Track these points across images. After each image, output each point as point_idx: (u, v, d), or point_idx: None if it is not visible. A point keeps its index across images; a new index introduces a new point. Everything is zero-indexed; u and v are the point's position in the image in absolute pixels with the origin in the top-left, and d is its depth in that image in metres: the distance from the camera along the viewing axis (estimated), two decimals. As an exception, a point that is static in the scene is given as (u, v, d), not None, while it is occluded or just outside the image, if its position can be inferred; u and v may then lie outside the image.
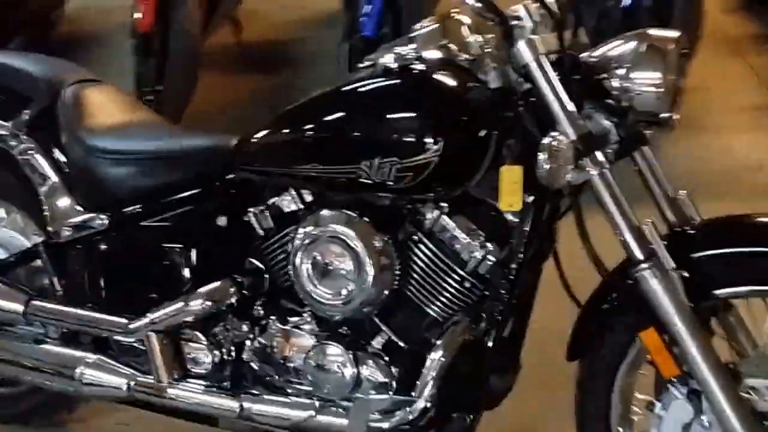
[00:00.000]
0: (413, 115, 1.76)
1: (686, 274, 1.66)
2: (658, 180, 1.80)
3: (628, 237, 1.65)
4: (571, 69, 1.70)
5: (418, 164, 1.71)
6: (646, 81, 1.67)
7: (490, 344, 1.79)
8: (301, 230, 1.84)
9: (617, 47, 1.73)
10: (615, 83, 1.69)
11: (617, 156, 1.74)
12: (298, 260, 1.84)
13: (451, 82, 1.74)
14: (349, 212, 1.81)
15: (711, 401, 1.63)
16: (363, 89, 1.80)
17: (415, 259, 1.82)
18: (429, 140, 1.70)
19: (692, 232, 1.75)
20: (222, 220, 2.01)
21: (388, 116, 1.77)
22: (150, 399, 2.04)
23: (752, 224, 1.74)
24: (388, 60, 1.75)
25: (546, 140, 1.63)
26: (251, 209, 1.95)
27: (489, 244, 1.79)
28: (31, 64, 2.29)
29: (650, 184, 1.81)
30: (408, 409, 1.80)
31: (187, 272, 2.06)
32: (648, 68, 1.67)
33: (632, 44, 1.70)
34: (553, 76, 1.67)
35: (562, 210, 1.85)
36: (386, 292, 1.81)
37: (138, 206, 2.07)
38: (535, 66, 1.67)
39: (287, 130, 1.89)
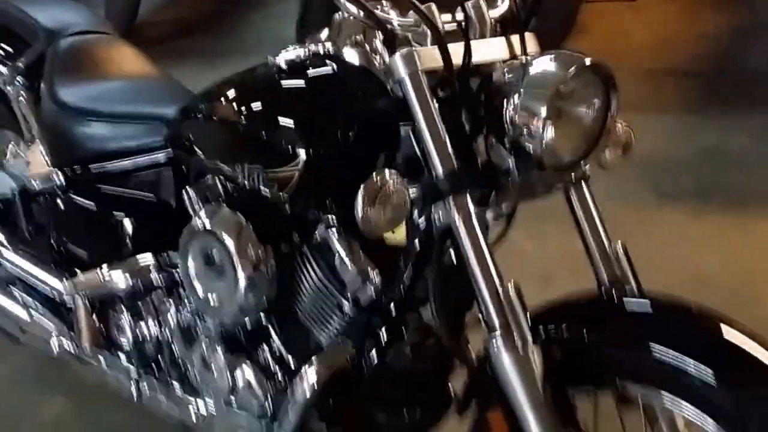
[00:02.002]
0: (281, 124, 1.56)
1: (557, 351, 1.41)
2: (589, 223, 1.56)
3: (486, 297, 1.40)
4: (462, 90, 1.46)
5: (281, 176, 1.54)
6: (524, 116, 1.40)
7: (367, 376, 1.63)
8: (193, 220, 1.72)
9: (534, 66, 1.44)
10: (508, 113, 1.42)
11: (521, 197, 1.50)
12: (182, 251, 1.73)
13: (338, 91, 1.55)
14: (236, 213, 1.66)
15: None
16: (247, 88, 1.64)
17: (300, 273, 1.67)
18: (293, 153, 1.52)
19: (579, 301, 1.47)
20: (165, 194, 1.94)
21: (258, 122, 1.60)
22: (72, 360, 2.04)
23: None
24: (282, 58, 1.58)
25: (372, 179, 1.38)
26: (187, 187, 1.87)
27: (371, 273, 1.59)
28: (38, 9, 2.29)
29: (582, 229, 1.57)
30: None
31: (125, 242, 2.01)
32: (532, 99, 1.40)
33: (539, 64, 1.43)
34: (426, 96, 1.43)
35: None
36: (264, 301, 1.66)
37: (92, 168, 2.03)
38: (409, 84, 1.43)
39: (195, 114, 1.75)
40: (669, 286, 2.75)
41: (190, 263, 1.71)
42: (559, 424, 1.40)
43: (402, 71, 1.43)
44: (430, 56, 1.44)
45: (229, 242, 1.63)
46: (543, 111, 1.38)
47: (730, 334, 1.33)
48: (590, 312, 1.46)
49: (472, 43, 1.48)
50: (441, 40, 1.43)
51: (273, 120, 1.56)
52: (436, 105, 1.43)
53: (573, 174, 1.53)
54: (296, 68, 1.56)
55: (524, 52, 1.53)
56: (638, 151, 3.80)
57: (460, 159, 1.45)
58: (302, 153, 1.51)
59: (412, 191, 1.42)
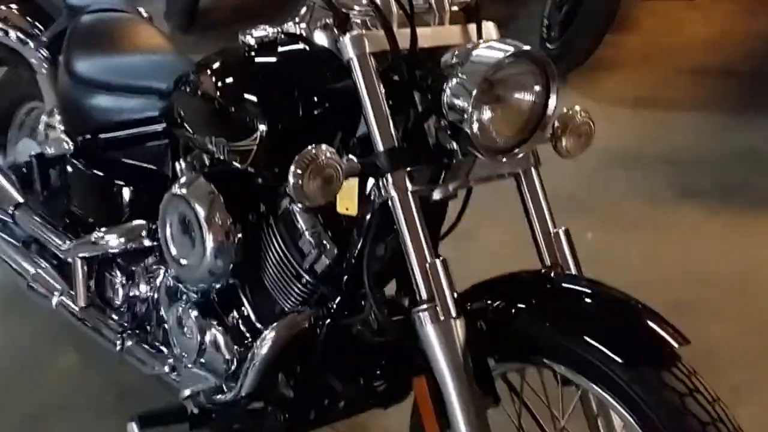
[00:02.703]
0: (245, 98, 1.64)
1: (483, 325, 1.48)
2: (537, 210, 1.62)
3: (417, 271, 1.47)
4: (411, 74, 1.52)
5: (242, 149, 1.63)
6: (458, 99, 1.46)
7: (320, 345, 1.71)
8: (173, 188, 1.83)
9: (474, 51, 1.49)
10: (445, 96, 1.48)
11: (469, 180, 1.58)
12: (161, 216, 1.85)
13: (301, 70, 1.63)
14: (210, 183, 1.77)
15: None
16: (219, 64, 1.72)
17: (266, 243, 1.77)
18: (254, 126, 1.60)
19: (513, 278, 1.55)
20: (161, 165, 2.07)
21: (225, 96, 1.68)
22: (69, 316, 2.19)
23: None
24: (252, 36, 1.65)
25: (307, 151, 1.45)
26: (180, 159, 1.98)
27: (327, 244, 1.68)
28: None
29: (529, 214, 1.63)
30: (228, 393, 1.80)
31: (123, 209, 2.15)
32: (465, 83, 1.45)
33: (479, 50, 1.48)
34: (372, 77, 1.49)
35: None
36: (230, 267, 1.78)
37: (98, 137, 2.17)
38: (357, 64, 1.50)
39: (180, 88, 1.83)
40: (667, 280, 2.81)
41: (167, 227, 1.84)
42: (477, 393, 1.46)
43: (350, 53, 1.51)
44: (380, 40, 1.51)
45: (200, 210, 1.74)
46: (473, 94, 1.44)
47: (648, 327, 1.38)
48: (523, 291, 1.52)
49: (430, 29, 1.56)
50: (386, 23, 1.50)
51: (238, 94, 1.65)
52: (382, 86, 1.50)
53: (523, 160, 1.59)
54: (264, 47, 1.64)
55: (479, 38, 1.59)
56: (666, 147, 3.84)
57: (409, 139, 1.53)
58: (262, 127, 1.60)
59: (354, 166, 1.50)
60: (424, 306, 1.46)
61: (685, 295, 2.77)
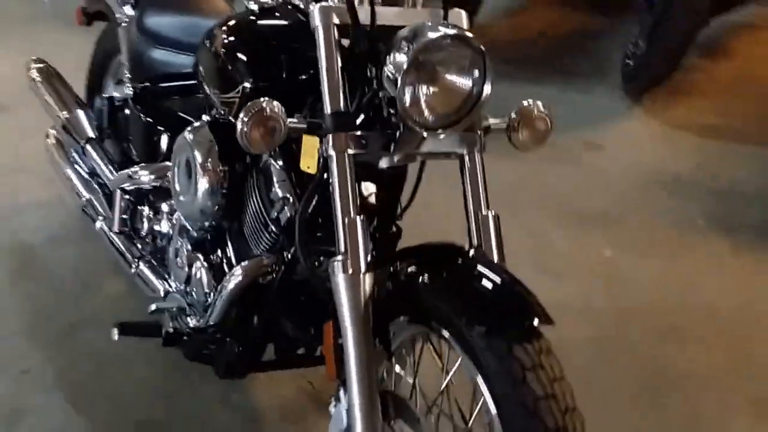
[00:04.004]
0: (235, 56, 1.86)
1: (390, 286, 1.60)
2: (473, 192, 1.71)
3: (339, 225, 1.60)
4: (370, 46, 1.63)
5: (228, 101, 1.86)
6: (391, 73, 1.55)
7: (275, 289, 1.91)
8: (183, 133, 2.05)
9: (416, 30, 1.57)
10: (384, 70, 1.58)
11: (416, 155, 1.69)
12: (172, 156, 2.10)
13: (287, 37, 1.81)
14: (210, 132, 1.98)
15: (352, 427, 1.58)
16: (226, 25, 1.93)
17: (247, 191, 1.99)
18: (239, 82, 1.82)
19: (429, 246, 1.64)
20: (195, 116, 2.24)
21: (224, 53, 1.90)
22: (105, 239, 2.54)
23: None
24: (255, 2, 1.89)
25: (254, 103, 1.60)
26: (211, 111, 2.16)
27: (291, 197, 1.85)
28: None
29: (466, 195, 1.72)
30: (197, 320, 2.08)
31: (162, 151, 2.45)
32: (398, 59, 1.54)
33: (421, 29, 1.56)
34: (332, 46, 1.62)
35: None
36: (218, 209, 2.00)
37: (150, 87, 2.46)
38: (320, 32, 1.64)
39: (202, 46, 2.01)
40: (669, 306, 2.92)
41: (175, 167, 2.10)
42: (370, 344, 1.58)
43: (316, 21, 1.65)
44: (346, 13, 1.62)
45: (197, 155, 1.98)
46: (403, 69, 1.53)
47: (519, 305, 1.48)
48: (433, 261, 1.60)
49: (399, 9, 1.70)
50: (351, 1, 1.62)
51: (231, 52, 1.88)
52: (340, 56, 1.63)
53: (468, 143, 1.69)
54: (264, 12, 1.87)
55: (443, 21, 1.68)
56: (718, 178, 3.90)
57: (364, 109, 1.64)
58: (246, 83, 1.82)
59: (301, 124, 1.65)
60: (339, 257, 1.58)
61: (679, 323, 2.90)
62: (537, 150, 1.85)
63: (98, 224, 2.56)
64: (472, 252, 1.67)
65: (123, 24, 2.69)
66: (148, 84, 2.49)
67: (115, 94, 2.65)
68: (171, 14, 2.56)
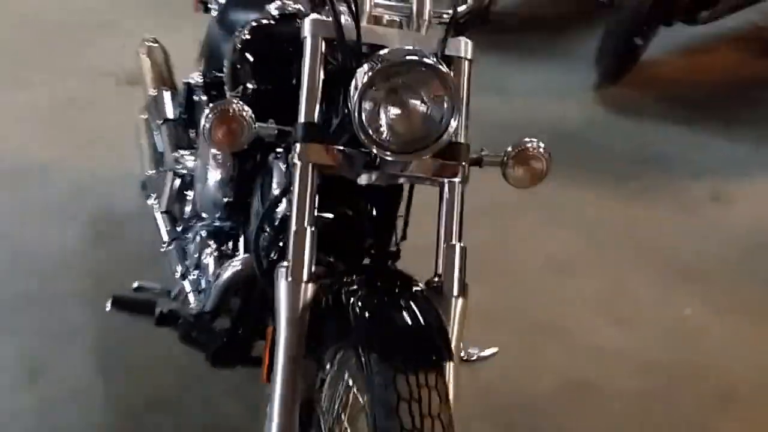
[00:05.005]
0: (242, 56, 1.95)
1: (329, 300, 1.58)
2: (447, 222, 1.68)
3: (290, 233, 1.62)
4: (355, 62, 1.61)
5: (234, 97, 1.93)
6: (354, 92, 1.57)
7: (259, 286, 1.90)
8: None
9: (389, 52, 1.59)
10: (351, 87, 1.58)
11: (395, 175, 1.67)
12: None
13: (286, 39, 1.84)
14: None
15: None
16: (247, 25, 2.02)
17: (255, 186, 2.05)
18: (241, 81, 1.91)
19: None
20: None
21: (236, 51, 1.99)
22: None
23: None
24: (273, 7, 1.96)
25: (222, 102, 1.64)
26: None
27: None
28: None
29: (440, 223, 1.69)
30: (195, 306, 2.14)
31: None
32: (362, 79, 1.56)
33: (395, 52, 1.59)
34: (316, 58, 1.64)
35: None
36: (226, 202, 2.10)
37: (210, 76, 2.53)
38: (308, 44, 1.66)
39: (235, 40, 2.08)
40: (731, 371, 2.70)
41: (199, 151, 2.19)
42: (300, 355, 1.59)
43: (305, 32, 1.67)
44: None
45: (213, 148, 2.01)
46: (358, 87, 1.55)
47: (423, 339, 1.49)
48: (373, 282, 1.60)
49: (397, 31, 1.68)
50: (336, 16, 1.63)
51: (242, 52, 1.97)
52: (323, 70, 1.64)
53: (451, 172, 1.66)
54: (282, 19, 1.95)
55: (439, 48, 1.67)
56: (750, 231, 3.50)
57: (344, 124, 1.63)
58: (247, 83, 1.90)
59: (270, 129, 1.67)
60: (285, 264, 1.61)
61: (741, 391, 2.73)
62: (531, 188, 1.79)
63: (150, 201, 2.68)
64: (421, 284, 1.63)
65: (213, 13, 2.79)
66: (217, 74, 2.57)
67: (194, 81, 2.75)
68: (250, 11, 2.62)
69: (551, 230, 3.50)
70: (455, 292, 1.65)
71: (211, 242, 2.20)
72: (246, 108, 1.65)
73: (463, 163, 1.68)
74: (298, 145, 1.64)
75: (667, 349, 2.87)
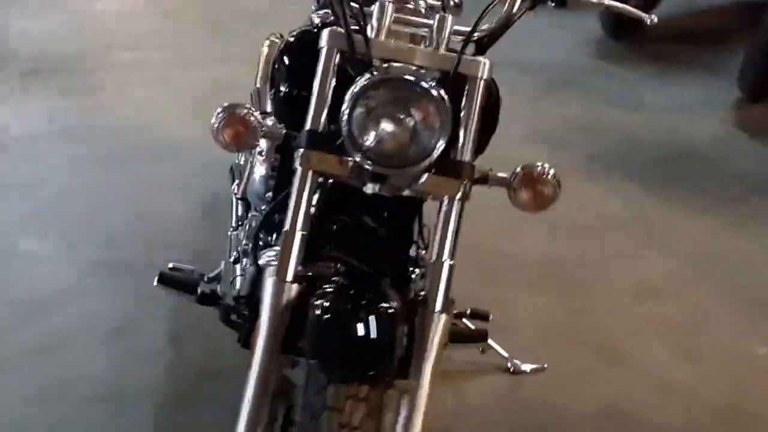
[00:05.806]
0: (280, 61, 2.02)
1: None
2: (441, 238, 1.71)
3: (283, 234, 1.69)
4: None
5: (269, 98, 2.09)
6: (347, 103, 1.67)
7: None
8: None
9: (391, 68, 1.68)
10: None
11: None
12: None
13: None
14: (277, 125, 1.99)
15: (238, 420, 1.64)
16: (291, 35, 2.08)
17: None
18: (276, 84, 2.01)
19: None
20: None
21: (277, 58, 2.06)
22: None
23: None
24: (315, 16, 2.06)
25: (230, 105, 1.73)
26: None
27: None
28: None
29: (433, 239, 1.73)
30: (224, 290, 2.30)
31: None
32: (354, 89, 1.67)
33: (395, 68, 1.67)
34: (329, 68, 1.69)
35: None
36: (267, 196, 2.22)
37: None
38: (323, 54, 1.71)
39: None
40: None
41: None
42: (276, 350, 1.65)
43: (322, 42, 1.72)
44: (356, 41, 1.68)
45: (262, 141, 2.02)
46: (352, 95, 1.63)
47: (371, 354, 1.57)
48: (349, 292, 1.67)
49: (416, 48, 1.71)
50: (348, 29, 1.68)
51: (280, 58, 2.04)
52: (334, 79, 1.70)
53: (452, 190, 1.69)
54: (321, 27, 1.92)
55: (453, 68, 1.68)
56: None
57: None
58: (281, 87, 2.01)
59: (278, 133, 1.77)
60: (274, 262, 1.72)
61: None
62: (538, 213, 1.78)
63: (233, 186, 2.88)
64: (396, 301, 1.67)
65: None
66: None
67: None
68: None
69: (647, 252, 3.47)
70: (438, 307, 1.67)
71: (260, 233, 2.37)
72: (254, 111, 1.75)
73: (465, 182, 1.71)
74: (301, 151, 1.71)
75: (726, 391, 2.81)
